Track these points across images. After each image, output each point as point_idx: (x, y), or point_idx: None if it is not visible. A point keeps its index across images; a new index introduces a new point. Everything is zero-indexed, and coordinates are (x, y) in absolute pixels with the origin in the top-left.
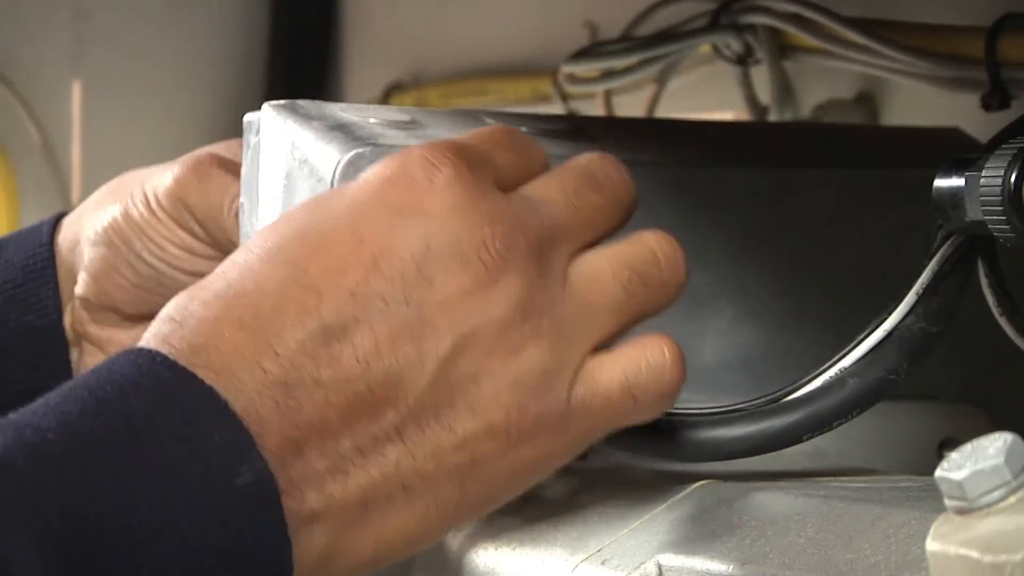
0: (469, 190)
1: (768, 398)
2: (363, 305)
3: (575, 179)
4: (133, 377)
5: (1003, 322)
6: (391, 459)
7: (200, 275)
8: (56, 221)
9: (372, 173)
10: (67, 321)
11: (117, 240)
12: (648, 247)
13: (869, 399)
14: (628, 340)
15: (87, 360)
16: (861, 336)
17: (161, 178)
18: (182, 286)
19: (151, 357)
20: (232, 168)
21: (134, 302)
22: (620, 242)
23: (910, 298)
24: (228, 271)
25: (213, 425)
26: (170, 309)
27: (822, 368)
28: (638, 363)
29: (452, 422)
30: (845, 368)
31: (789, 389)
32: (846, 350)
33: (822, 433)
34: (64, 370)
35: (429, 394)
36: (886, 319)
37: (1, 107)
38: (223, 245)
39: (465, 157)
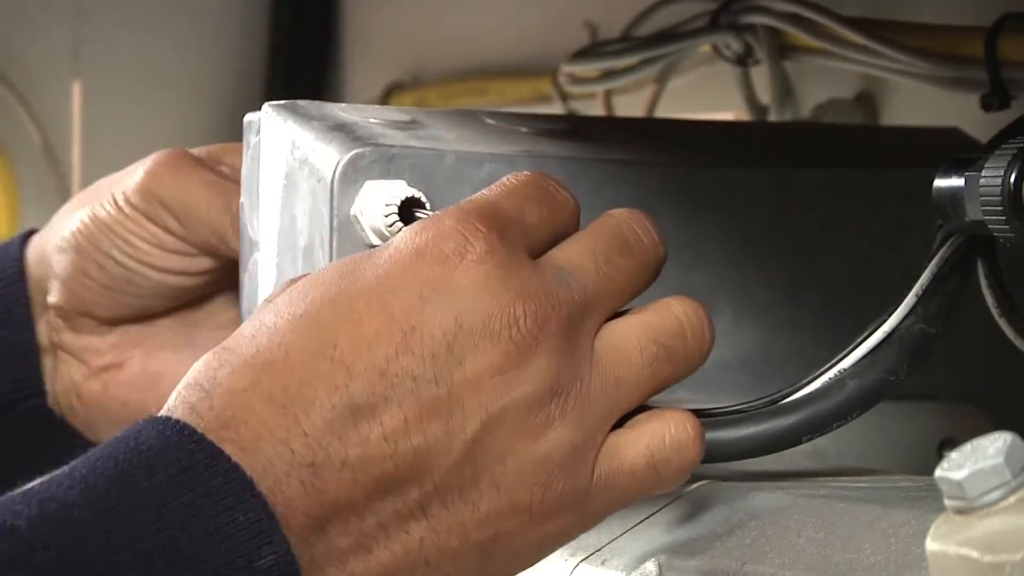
0: (501, 264)
1: (767, 400)
2: (392, 383)
3: (606, 244)
4: (160, 450)
5: (1002, 323)
6: (415, 536)
7: (170, 272)
8: (26, 237)
9: (404, 242)
10: (41, 332)
11: (84, 242)
12: (676, 318)
13: (869, 401)
14: (650, 412)
15: (61, 369)
16: (861, 338)
17: (130, 177)
18: (153, 284)
19: (179, 429)
20: (203, 166)
21: (107, 304)
22: (648, 310)
23: (909, 299)
24: (257, 334)
25: (238, 504)
26: (199, 374)
27: (821, 370)
28: (662, 439)
29: (476, 500)
30: (844, 370)
31: (788, 391)
32: (845, 351)
33: (822, 435)
34: (38, 382)
35: (455, 472)
36: (885, 321)
37: (1, 107)
38: (200, 239)
39: (497, 226)
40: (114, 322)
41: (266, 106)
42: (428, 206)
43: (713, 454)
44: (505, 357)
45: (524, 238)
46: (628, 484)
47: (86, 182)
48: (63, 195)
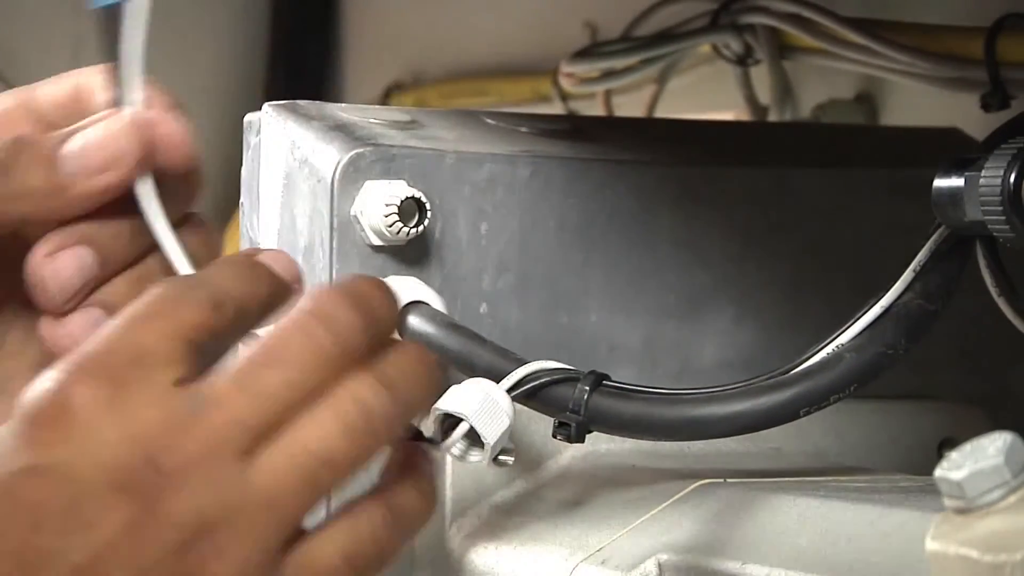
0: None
1: (765, 376)
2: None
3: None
4: None
5: (1001, 303)
6: None
7: None
8: None
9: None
10: None
11: None
12: (372, 528)
13: (866, 374)
14: None
15: None
16: (859, 312)
17: None
18: None
19: None
20: None
21: None
22: (343, 519)
23: (907, 275)
24: None
25: None
26: None
27: (820, 344)
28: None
29: None
30: (843, 344)
31: (787, 367)
32: (844, 327)
33: (820, 408)
34: None
35: None
36: (884, 295)
37: None
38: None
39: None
40: None
41: (266, 106)
42: (428, 206)
43: (712, 429)
44: None
45: None
46: None
47: None
48: None
